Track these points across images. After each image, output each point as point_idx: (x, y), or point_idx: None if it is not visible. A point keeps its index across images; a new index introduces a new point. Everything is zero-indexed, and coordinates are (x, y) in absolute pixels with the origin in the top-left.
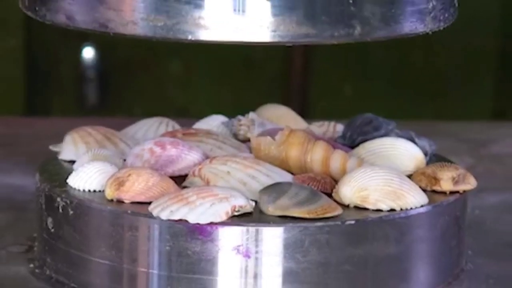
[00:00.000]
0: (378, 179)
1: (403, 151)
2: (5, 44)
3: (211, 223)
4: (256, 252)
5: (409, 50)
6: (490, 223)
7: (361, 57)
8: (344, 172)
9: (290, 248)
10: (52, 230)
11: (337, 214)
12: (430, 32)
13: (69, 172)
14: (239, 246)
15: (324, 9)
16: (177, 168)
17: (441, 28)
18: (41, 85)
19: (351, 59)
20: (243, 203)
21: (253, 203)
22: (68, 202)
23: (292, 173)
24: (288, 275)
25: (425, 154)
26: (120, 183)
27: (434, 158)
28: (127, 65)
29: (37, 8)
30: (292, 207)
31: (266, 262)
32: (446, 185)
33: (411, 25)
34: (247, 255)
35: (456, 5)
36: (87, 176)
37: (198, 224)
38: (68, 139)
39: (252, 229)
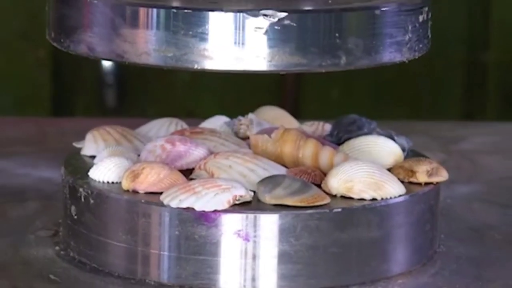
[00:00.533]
0: (361, 172)
1: (383, 147)
2: (36, 54)
3: (215, 211)
4: (255, 236)
5: None
6: (459, 211)
7: None
8: (331, 166)
9: (284, 233)
10: (75, 217)
11: (326, 202)
12: (407, 61)
13: (90, 166)
14: (239, 230)
15: (313, 41)
16: (185, 162)
17: (416, 57)
18: (66, 89)
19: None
20: (243, 193)
21: (252, 193)
22: (89, 192)
23: (286, 167)
24: (283, 257)
25: (403, 150)
26: (135, 176)
27: (410, 154)
28: (142, 72)
29: (62, 40)
30: (286, 197)
31: (263, 245)
32: (421, 177)
33: (390, 55)
34: (246, 239)
35: (429, 36)
36: (106, 169)
37: (203, 211)
38: (89, 137)
39: (251, 215)
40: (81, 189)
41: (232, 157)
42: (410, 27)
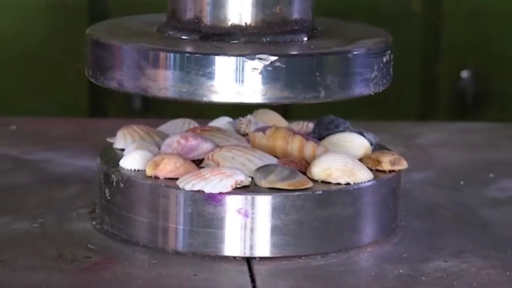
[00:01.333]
0: (338, 162)
1: (355, 142)
2: (75, 67)
3: (220, 193)
4: (252, 213)
5: None
6: (416, 193)
7: None
8: (314, 157)
9: (276, 210)
10: (109, 197)
11: (309, 186)
12: (373, 94)
13: (120, 157)
14: (240, 209)
15: (299, 79)
16: (196, 154)
17: (381, 90)
18: (100, 96)
19: None
20: (243, 179)
21: (250, 179)
22: (120, 178)
23: (277, 158)
24: (275, 229)
25: (371, 144)
26: (156, 165)
27: (377, 147)
28: None
29: (97, 77)
30: (278, 182)
31: (259, 220)
32: (386, 166)
33: (360, 89)
34: (246, 215)
35: (391, 73)
36: (133, 160)
37: (211, 193)
38: (120, 134)
39: (249, 196)
40: (113, 176)
41: (234, 150)
42: (376, 67)
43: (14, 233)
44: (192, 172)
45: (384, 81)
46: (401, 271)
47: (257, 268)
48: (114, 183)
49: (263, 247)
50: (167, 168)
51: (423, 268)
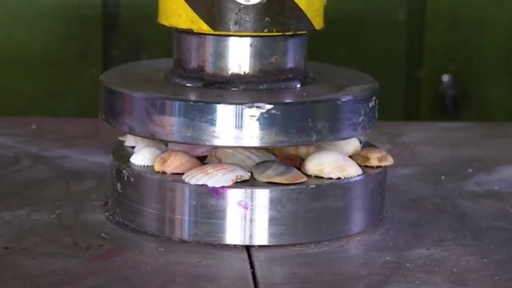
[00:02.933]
0: (330, 158)
1: (346, 140)
2: (91, 71)
3: (223, 187)
4: (252, 205)
5: None
6: (401, 187)
7: None
8: (308, 154)
9: (273, 203)
10: (120, 191)
11: (304, 181)
12: (360, 135)
13: (131, 154)
14: (240, 201)
15: (292, 125)
16: (200, 151)
17: (367, 133)
18: None
19: None
20: (243, 174)
21: (249, 174)
22: (131, 173)
23: (275, 155)
24: (272, 220)
25: (360, 142)
26: (164, 161)
27: (366, 145)
28: None
29: (110, 121)
30: (275, 176)
31: (258, 211)
32: (374, 162)
33: (348, 133)
34: (245, 207)
35: (376, 117)
36: (143, 156)
37: (214, 187)
38: None
39: (249, 190)
40: (124, 171)
41: (235, 148)
42: (362, 112)
43: (33, 224)
44: (197, 167)
45: (370, 124)
46: (387, 258)
47: (256, 255)
48: (125, 178)
49: (261, 236)
50: (174, 164)
51: (408, 255)
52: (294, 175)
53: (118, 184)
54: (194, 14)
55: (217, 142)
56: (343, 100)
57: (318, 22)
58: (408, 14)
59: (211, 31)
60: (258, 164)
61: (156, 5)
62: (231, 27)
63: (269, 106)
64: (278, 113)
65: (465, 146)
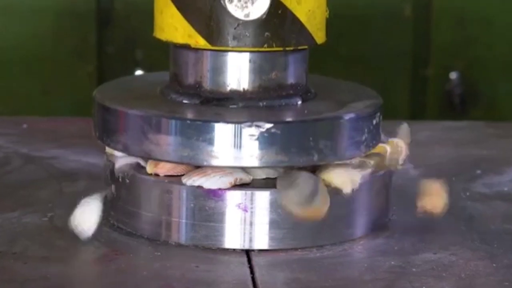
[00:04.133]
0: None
1: None
2: (86, 69)
3: (220, 189)
4: (251, 207)
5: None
6: (407, 188)
7: None
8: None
9: (274, 205)
10: (114, 193)
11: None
12: (364, 155)
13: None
14: (240, 203)
15: (293, 144)
16: None
17: (370, 151)
18: None
19: None
20: (243, 176)
21: (251, 177)
22: (126, 174)
23: None
24: (272, 223)
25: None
26: (156, 163)
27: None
28: None
29: (104, 139)
30: (295, 205)
31: (258, 214)
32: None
33: (351, 152)
34: (245, 210)
35: (381, 134)
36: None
37: (211, 188)
38: None
39: (248, 192)
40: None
41: None
42: (366, 130)
43: (25, 227)
44: (195, 169)
45: (374, 142)
46: (392, 263)
47: (256, 259)
48: (120, 179)
49: (261, 240)
50: (166, 166)
51: (414, 260)
52: (315, 208)
53: (113, 186)
54: (191, 29)
55: (215, 162)
56: (346, 118)
57: (319, 36)
58: (414, 9)
59: (209, 46)
60: (282, 176)
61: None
62: (229, 42)
63: (268, 125)
64: (278, 132)
65: (473, 146)
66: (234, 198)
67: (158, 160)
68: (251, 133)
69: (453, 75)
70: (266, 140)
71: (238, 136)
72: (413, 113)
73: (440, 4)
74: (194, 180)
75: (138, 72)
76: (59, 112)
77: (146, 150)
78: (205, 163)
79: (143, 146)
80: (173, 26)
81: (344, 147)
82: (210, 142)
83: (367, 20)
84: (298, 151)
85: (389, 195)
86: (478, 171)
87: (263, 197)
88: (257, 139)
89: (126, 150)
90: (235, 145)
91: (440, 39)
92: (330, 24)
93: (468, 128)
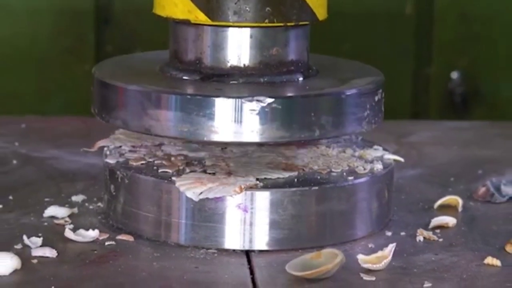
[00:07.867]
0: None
1: None
2: (82, 68)
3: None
4: (252, 208)
5: None
6: (408, 189)
7: None
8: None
9: (274, 206)
10: (114, 193)
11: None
12: (365, 131)
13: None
14: (240, 204)
15: (294, 119)
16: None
17: (373, 128)
18: None
19: None
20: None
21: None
22: (125, 174)
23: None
24: (273, 224)
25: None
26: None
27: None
28: None
29: (103, 115)
30: (301, 271)
31: (258, 215)
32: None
33: (352, 127)
34: (245, 210)
35: (383, 111)
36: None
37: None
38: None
39: (248, 192)
40: (118, 172)
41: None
42: (368, 106)
43: (23, 228)
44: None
45: (376, 119)
46: (393, 263)
47: (256, 260)
48: (119, 180)
49: (261, 241)
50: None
51: (415, 260)
52: (320, 268)
53: (112, 186)
54: (191, 4)
55: (215, 138)
56: (348, 93)
57: (321, 13)
58: (416, 7)
59: (209, 22)
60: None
61: None
62: (230, 17)
63: (270, 100)
64: (280, 107)
65: (475, 146)
66: (234, 199)
67: (158, 135)
68: (251, 108)
69: (455, 74)
70: (267, 115)
71: (238, 111)
72: (415, 113)
73: (443, 2)
74: (194, 192)
75: None
76: (58, 111)
77: (146, 126)
78: (205, 138)
79: (143, 122)
80: (173, 2)
81: (345, 122)
82: (211, 117)
83: (369, 19)
84: (300, 126)
85: (390, 195)
86: (480, 172)
87: (263, 197)
88: (258, 114)
89: (125, 126)
90: (236, 120)
91: (442, 38)
92: (333, 22)
93: (471, 128)
